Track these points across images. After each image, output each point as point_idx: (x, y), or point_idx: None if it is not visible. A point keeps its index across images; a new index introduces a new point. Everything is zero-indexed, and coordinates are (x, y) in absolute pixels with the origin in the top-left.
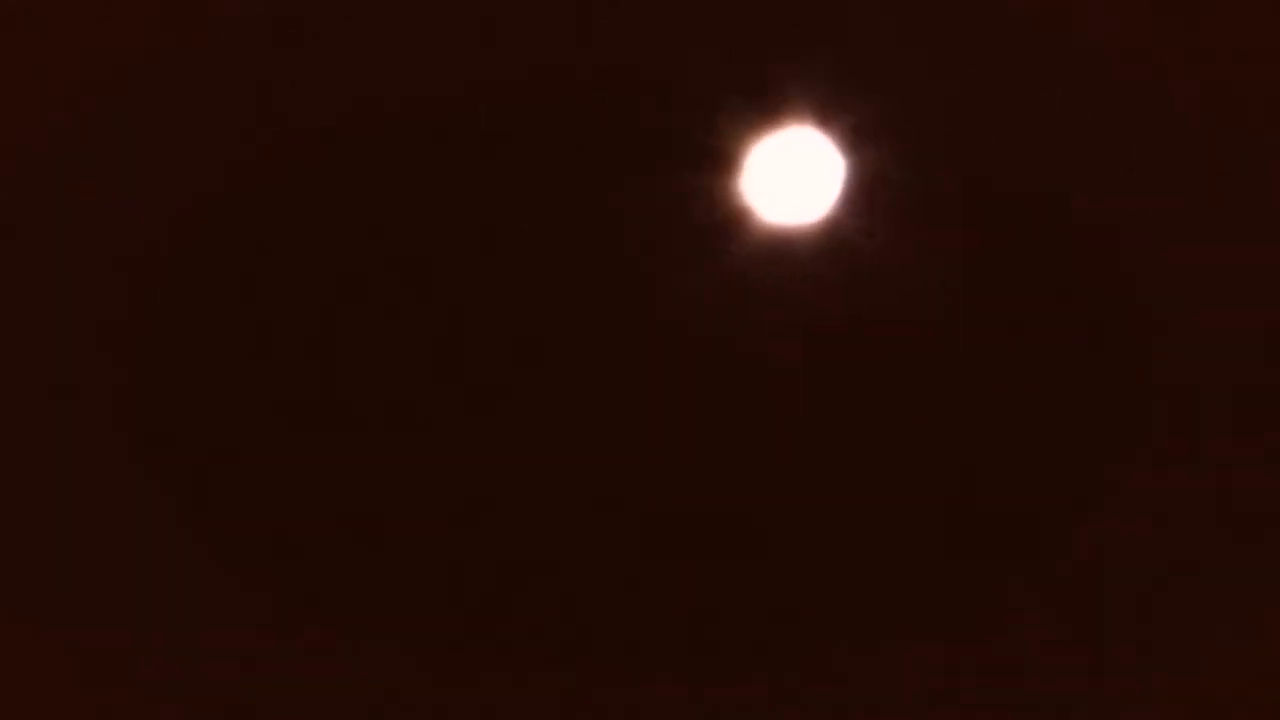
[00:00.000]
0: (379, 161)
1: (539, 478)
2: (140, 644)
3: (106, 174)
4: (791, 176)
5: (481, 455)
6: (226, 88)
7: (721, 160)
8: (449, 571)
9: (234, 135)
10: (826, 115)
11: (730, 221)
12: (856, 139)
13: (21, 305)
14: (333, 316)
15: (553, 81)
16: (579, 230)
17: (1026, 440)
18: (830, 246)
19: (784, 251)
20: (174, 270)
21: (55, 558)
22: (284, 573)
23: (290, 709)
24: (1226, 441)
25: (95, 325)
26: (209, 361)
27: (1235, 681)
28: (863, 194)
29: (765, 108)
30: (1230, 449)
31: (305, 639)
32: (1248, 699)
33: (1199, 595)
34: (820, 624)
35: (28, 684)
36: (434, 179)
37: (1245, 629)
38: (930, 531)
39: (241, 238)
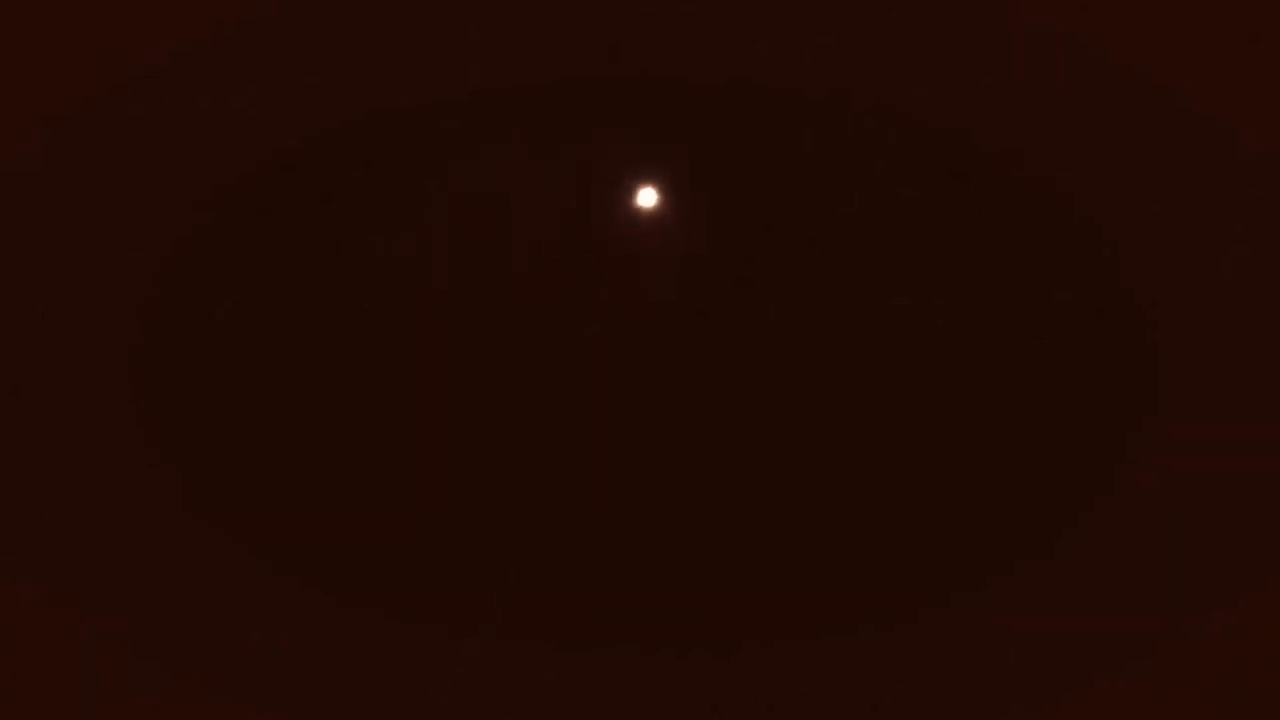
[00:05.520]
0: (382, 161)
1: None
2: (153, 622)
3: (119, 167)
4: None
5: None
6: (242, 87)
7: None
8: (476, 558)
9: (254, 131)
10: None
11: None
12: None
13: (34, 296)
14: (348, 308)
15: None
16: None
17: (1027, 428)
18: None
19: None
20: (191, 259)
21: (83, 546)
22: (308, 562)
23: (308, 693)
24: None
25: (109, 314)
26: (225, 351)
27: (1236, 672)
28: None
29: None
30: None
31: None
32: (1252, 685)
33: (1206, 582)
34: (821, 607)
35: (46, 668)
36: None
37: (1247, 624)
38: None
39: (258, 230)
